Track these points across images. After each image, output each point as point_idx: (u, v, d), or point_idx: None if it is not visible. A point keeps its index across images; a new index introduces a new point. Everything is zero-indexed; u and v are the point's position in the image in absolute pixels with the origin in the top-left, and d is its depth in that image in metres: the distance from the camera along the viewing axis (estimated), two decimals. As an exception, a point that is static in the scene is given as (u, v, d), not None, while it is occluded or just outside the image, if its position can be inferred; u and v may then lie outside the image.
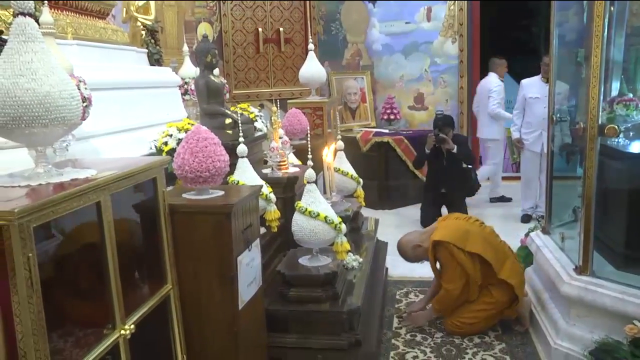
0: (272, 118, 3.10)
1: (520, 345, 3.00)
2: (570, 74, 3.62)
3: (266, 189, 2.60)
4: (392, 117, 6.70)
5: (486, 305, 3.05)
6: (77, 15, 3.41)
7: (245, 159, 2.60)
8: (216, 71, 3.02)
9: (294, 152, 3.35)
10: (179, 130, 2.87)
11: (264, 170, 3.04)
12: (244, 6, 6.64)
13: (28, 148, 1.75)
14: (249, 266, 2.17)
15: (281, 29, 6.72)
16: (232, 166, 2.42)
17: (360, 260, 3.01)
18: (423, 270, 3.47)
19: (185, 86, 4.18)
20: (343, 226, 2.58)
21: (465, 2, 6.74)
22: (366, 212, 4.14)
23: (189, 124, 2.95)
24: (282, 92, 6.70)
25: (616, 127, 2.59)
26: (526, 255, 3.61)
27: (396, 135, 6.11)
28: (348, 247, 2.63)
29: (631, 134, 2.93)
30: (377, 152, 6.05)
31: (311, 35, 5.63)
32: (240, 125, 2.65)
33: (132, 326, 1.65)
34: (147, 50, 4.25)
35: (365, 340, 2.53)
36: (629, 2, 3.00)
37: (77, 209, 1.41)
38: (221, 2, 6.55)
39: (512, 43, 8.52)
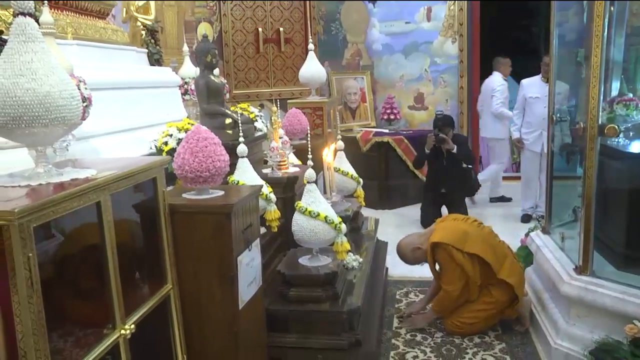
0: (272, 118, 3.10)
1: (521, 345, 3.00)
2: (570, 73, 3.62)
3: (266, 189, 2.60)
4: (392, 117, 6.70)
5: (486, 305, 3.05)
6: (77, 15, 3.42)
7: (246, 159, 2.60)
8: (216, 71, 3.02)
9: (294, 152, 3.35)
10: (179, 130, 2.87)
11: (264, 170, 3.04)
12: (244, 6, 6.63)
13: (28, 148, 1.75)
14: (249, 266, 2.17)
15: (281, 29, 6.72)
16: (232, 166, 2.42)
17: (361, 260, 3.01)
18: (423, 270, 3.47)
19: (185, 86, 4.19)
20: (343, 226, 2.58)
21: (465, 2, 6.74)
22: (366, 212, 4.14)
23: (189, 123, 2.95)
24: (282, 92, 6.70)
25: (616, 127, 2.59)
26: (526, 255, 3.61)
27: (396, 135, 6.11)
28: (348, 247, 2.63)
29: (631, 133, 2.93)
30: (377, 152, 6.05)
31: (311, 35, 5.63)
32: (240, 125, 2.65)
33: (132, 326, 1.65)
34: (147, 50, 4.25)
35: (365, 340, 2.53)
36: (629, 2, 3.00)
37: (77, 209, 1.41)
38: (221, 2, 6.55)
39: (512, 43, 8.51)
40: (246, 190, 2.26)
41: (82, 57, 3.03)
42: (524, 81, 5.42)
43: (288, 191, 2.97)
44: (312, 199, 2.53)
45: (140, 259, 1.91)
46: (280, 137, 3.05)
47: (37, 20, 1.61)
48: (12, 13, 2.40)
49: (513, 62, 6.16)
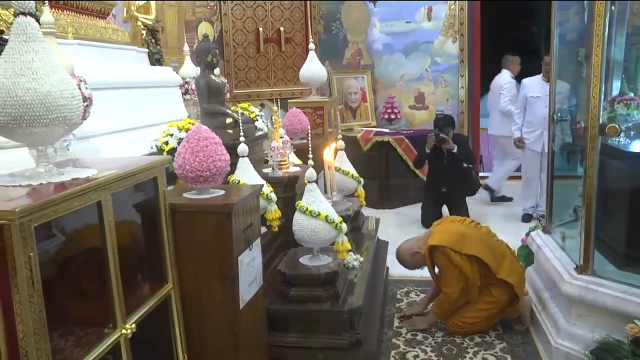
0: (273, 117, 3.10)
1: (521, 345, 3.00)
2: (571, 73, 3.62)
3: (267, 189, 2.61)
4: (392, 116, 6.69)
5: (487, 304, 3.05)
6: (78, 15, 3.42)
7: (246, 159, 2.61)
8: (217, 71, 3.02)
9: (294, 152, 3.36)
10: (180, 129, 2.87)
11: (265, 170, 3.04)
12: (244, 6, 6.64)
13: (29, 148, 1.75)
14: (250, 265, 2.17)
15: (282, 28, 6.72)
16: (233, 166, 2.42)
17: (361, 259, 3.01)
18: (423, 270, 3.47)
19: (186, 86, 4.19)
20: (344, 225, 2.58)
21: (466, 1, 6.74)
22: (367, 212, 4.14)
23: (189, 123, 2.95)
24: (282, 92, 6.70)
25: (617, 126, 2.59)
26: (527, 255, 3.61)
27: (397, 135, 6.11)
28: (349, 246, 2.63)
29: (632, 133, 2.93)
30: (378, 151, 6.05)
31: (312, 34, 5.65)
32: (240, 124, 2.65)
33: (133, 325, 1.65)
34: (147, 50, 4.26)
35: (366, 340, 2.53)
36: (630, 1, 2.99)
37: (78, 209, 1.42)
38: (222, 1, 6.55)
39: (512, 43, 8.51)
40: (247, 189, 2.26)
41: (83, 56, 3.04)
42: (525, 80, 5.42)
43: (289, 191, 2.97)
44: (313, 199, 2.53)
45: (141, 258, 1.91)
46: (280, 137, 3.05)
47: (37, 20, 1.61)
48: (13, 13, 2.40)
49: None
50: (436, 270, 3.18)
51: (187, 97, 4.18)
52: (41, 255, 1.27)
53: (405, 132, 6.34)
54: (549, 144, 3.53)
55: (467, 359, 2.88)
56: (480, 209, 5.77)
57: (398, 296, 3.70)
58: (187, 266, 2.01)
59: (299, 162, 3.40)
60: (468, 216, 4.90)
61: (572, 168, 3.47)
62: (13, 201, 1.28)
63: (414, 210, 5.62)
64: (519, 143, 5.40)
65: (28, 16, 1.46)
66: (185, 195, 2.13)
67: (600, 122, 2.59)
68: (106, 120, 2.87)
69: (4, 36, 2.43)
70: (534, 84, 5.24)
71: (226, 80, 3.43)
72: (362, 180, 3.55)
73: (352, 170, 3.50)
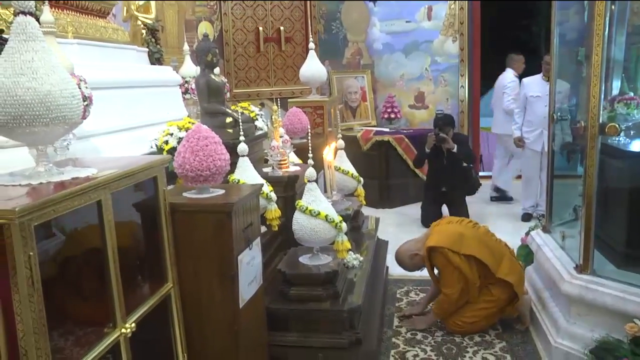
0: (273, 117, 3.10)
1: (521, 344, 3.00)
2: (571, 72, 3.62)
3: (267, 188, 2.61)
4: (392, 116, 6.69)
5: (487, 303, 3.05)
6: (78, 14, 3.42)
7: (246, 158, 2.60)
8: (217, 70, 3.02)
9: (294, 151, 3.35)
10: (180, 129, 2.87)
11: (265, 169, 3.04)
12: (244, 5, 6.64)
13: (29, 147, 1.75)
14: (250, 265, 2.17)
15: (282, 28, 6.72)
16: (233, 165, 2.42)
17: (361, 259, 3.01)
18: (422, 270, 3.47)
19: (186, 85, 4.19)
20: (344, 225, 2.58)
21: (466, 1, 6.73)
22: (367, 211, 4.14)
23: (189, 122, 2.95)
24: (282, 91, 6.70)
25: (617, 125, 2.59)
26: (527, 254, 3.61)
27: (397, 134, 6.11)
28: (349, 245, 2.63)
29: (632, 132, 2.93)
30: (378, 151, 6.05)
31: (312, 34, 5.64)
32: (240, 124, 2.65)
33: (133, 325, 1.65)
34: (147, 49, 4.26)
35: (365, 339, 2.53)
36: (630, 1, 2.99)
37: (77, 208, 1.41)
38: (222, 1, 6.55)
39: (512, 42, 8.52)
40: (247, 189, 2.26)
41: (83, 56, 3.04)
42: (525, 80, 5.43)
43: (288, 190, 2.97)
44: (313, 198, 2.53)
45: (141, 258, 1.91)
46: (280, 136, 3.05)
47: (37, 19, 1.61)
48: (13, 12, 2.40)
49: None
50: (435, 271, 3.18)
51: (187, 96, 4.18)
52: (41, 255, 1.27)
53: (405, 131, 6.34)
54: (549, 143, 3.54)
55: (467, 358, 2.88)
56: (480, 208, 5.77)
57: (398, 295, 3.70)
58: (187, 265, 2.01)
59: (299, 161, 3.40)
60: (468, 215, 4.91)
61: (572, 167, 3.47)
62: (13, 200, 1.28)
63: (414, 210, 5.62)
64: (519, 142, 5.40)
65: (28, 15, 1.46)
66: (185, 194, 2.13)
67: (600, 121, 2.59)
68: (106, 119, 2.87)
69: (4, 35, 2.43)
70: (534, 84, 5.24)
71: (226, 80, 3.43)
72: (361, 179, 3.55)
73: (352, 170, 3.50)
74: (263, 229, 2.59)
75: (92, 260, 1.59)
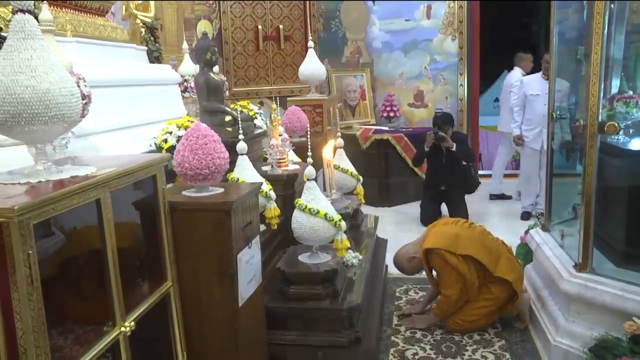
0: (272, 115, 3.10)
1: (520, 342, 3.01)
2: (570, 71, 3.62)
3: (266, 186, 2.60)
4: (391, 114, 6.69)
5: (486, 302, 3.05)
6: (77, 13, 3.41)
7: (245, 157, 2.60)
8: (216, 69, 3.02)
9: (293, 150, 3.36)
10: (179, 127, 2.87)
11: (264, 168, 3.04)
12: (243, 4, 6.63)
13: (28, 145, 1.75)
14: (249, 263, 2.17)
15: (281, 26, 6.71)
16: (232, 163, 2.41)
17: (360, 257, 3.01)
18: (422, 272, 3.47)
19: (185, 84, 4.19)
20: (343, 223, 2.58)
21: (465, 0, 6.74)
22: (366, 210, 4.14)
23: (188, 121, 2.95)
24: (281, 90, 6.70)
25: (616, 124, 2.59)
26: (526, 253, 3.62)
27: (396, 133, 6.11)
28: (348, 244, 2.63)
29: (631, 131, 2.93)
30: (377, 149, 6.05)
31: (311, 32, 5.64)
32: (240, 122, 2.65)
33: (132, 323, 1.65)
34: (146, 48, 4.25)
35: (365, 338, 2.53)
36: (629, 0, 2.99)
37: (77, 206, 1.41)
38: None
39: (511, 41, 8.52)
40: (246, 187, 2.26)
41: (82, 54, 3.03)
42: (525, 78, 5.43)
43: (288, 188, 2.97)
44: (312, 197, 2.53)
45: (140, 256, 1.91)
46: (279, 135, 3.05)
47: (36, 18, 1.60)
48: (11, 10, 2.40)
49: (512, 60, 6.15)
50: (434, 273, 3.19)
51: (186, 94, 4.18)
52: (40, 253, 1.27)
53: (404, 130, 6.34)
54: (548, 141, 3.54)
55: (466, 356, 2.88)
56: (480, 206, 5.77)
57: (397, 294, 3.70)
58: (186, 264, 2.01)
59: (298, 160, 3.40)
60: (467, 214, 4.92)
61: (571, 166, 3.47)
62: (12, 199, 1.28)
63: (413, 208, 5.62)
64: (519, 141, 5.40)
65: (26, 14, 1.46)
66: (184, 193, 2.13)
67: (600, 120, 2.59)
68: (105, 118, 2.87)
69: (3, 33, 2.42)
70: (534, 82, 5.25)
71: (225, 78, 3.42)
72: (361, 178, 3.55)
73: (351, 168, 3.50)
74: (262, 227, 2.59)
75: (92, 259, 1.59)
